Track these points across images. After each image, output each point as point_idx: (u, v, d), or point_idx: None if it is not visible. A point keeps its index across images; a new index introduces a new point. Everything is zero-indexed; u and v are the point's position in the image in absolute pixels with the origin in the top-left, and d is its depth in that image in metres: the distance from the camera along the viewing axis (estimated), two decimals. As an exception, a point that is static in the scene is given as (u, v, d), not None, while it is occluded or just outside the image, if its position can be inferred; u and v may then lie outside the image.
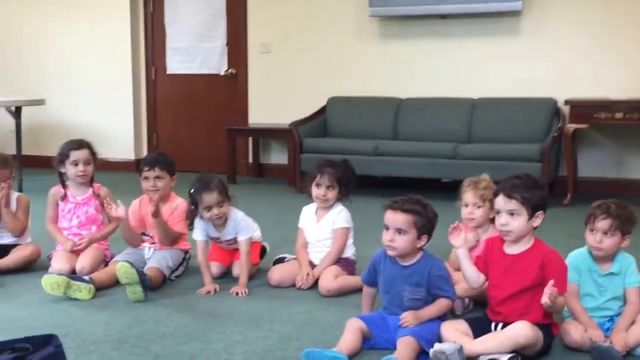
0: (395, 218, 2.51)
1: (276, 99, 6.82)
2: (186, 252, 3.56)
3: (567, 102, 5.50)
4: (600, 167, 5.85)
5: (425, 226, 2.52)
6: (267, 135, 6.85)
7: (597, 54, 5.75)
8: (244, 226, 3.34)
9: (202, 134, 7.20)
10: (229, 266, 3.46)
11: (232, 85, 7.07)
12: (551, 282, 2.30)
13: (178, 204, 3.52)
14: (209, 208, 3.23)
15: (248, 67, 6.96)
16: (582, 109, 5.36)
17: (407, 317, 2.47)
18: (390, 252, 2.56)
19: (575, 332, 2.50)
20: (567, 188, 5.42)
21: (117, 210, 3.32)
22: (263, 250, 3.59)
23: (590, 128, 5.54)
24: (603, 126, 5.57)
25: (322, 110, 6.47)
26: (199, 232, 3.32)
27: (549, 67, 5.88)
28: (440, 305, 2.53)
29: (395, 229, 2.51)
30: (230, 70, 7.07)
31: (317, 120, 6.39)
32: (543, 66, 5.90)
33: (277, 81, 6.82)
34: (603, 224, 2.53)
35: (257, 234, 3.53)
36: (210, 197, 3.21)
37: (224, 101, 7.11)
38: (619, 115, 5.23)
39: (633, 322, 2.49)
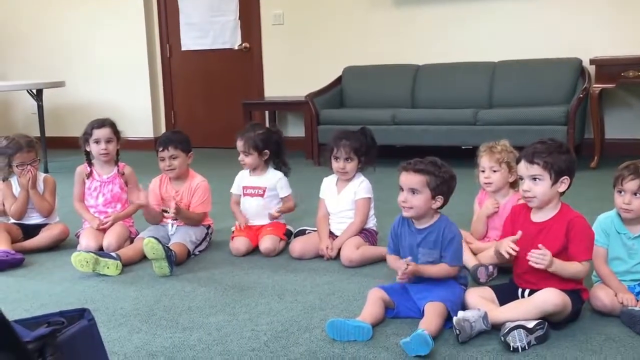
0: (408, 178, 2.50)
1: (291, 71, 6.77)
2: (209, 227, 3.59)
3: (592, 62, 5.36)
4: (628, 128, 5.73)
5: (440, 186, 2.49)
6: (283, 108, 6.82)
7: (623, 10, 5.60)
8: (285, 183, 3.52)
9: (218, 110, 7.19)
10: (255, 247, 3.47)
11: (247, 59, 7.04)
12: (540, 246, 2.28)
13: (198, 183, 3.53)
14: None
15: (262, 40, 6.92)
16: (609, 68, 5.23)
17: (408, 268, 2.45)
18: (405, 214, 2.54)
19: (605, 296, 2.46)
20: (594, 151, 5.33)
21: (140, 196, 3.40)
22: (288, 232, 3.60)
23: (617, 88, 5.42)
24: (631, 85, 5.44)
25: (338, 81, 6.42)
26: (235, 186, 3.58)
27: (572, 26, 5.75)
28: (442, 268, 2.51)
29: (409, 189, 2.49)
30: (244, 45, 7.03)
31: (333, 91, 6.34)
32: (566, 25, 5.76)
33: (291, 53, 6.77)
34: (631, 184, 2.48)
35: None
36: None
37: (239, 76, 7.08)
38: (646, 73, 5.11)
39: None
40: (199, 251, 3.48)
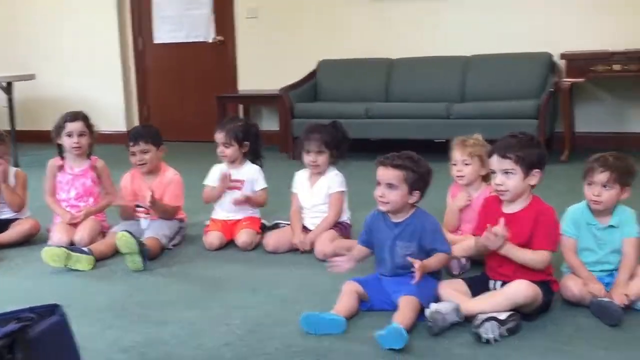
0: (385, 173, 2.52)
1: (265, 65, 6.74)
2: (182, 220, 3.57)
3: (563, 56, 5.43)
4: (598, 122, 5.81)
5: (417, 182, 2.51)
6: (258, 101, 6.79)
7: (592, 4, 5.67)
8: (262, 176, 3.52)
9: (192, 103, 7.13)
10: (229, 241, 3.46)
11: (221, 52, 6.98)
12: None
13: (170, 177, 3.51)
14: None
15: (235, 33, 6.87)
16: (579, 63, 5.30)
17: (418, 266, 2.43)
18: (381, 208, 2.55)
19: (574, 286, 2.50)
20: (564, 144, 5.40)
21: (116, 198, 3.52)
22: (262, 226, 3.59)
23: (587, 82, 5.49)
24: (601, 79, 5.52)
25: (313, 74, 6.41)
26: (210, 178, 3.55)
27: (543, 21, 5.80)
28: (440, 258, 2.54)
29: (386, 184, 2.51)
30: (218, 38, 6.98)
31: (308, 84, 6.33)
32: (537, 20, 5.81)
33: (265, 46, 6.73)
34: (601, 176, 2.52)
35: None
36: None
37: (213, 69, 7.02)
38: (617, 67, 5.17)
39: (632, 276, 2.49)
40: (173, 245, 3.45)
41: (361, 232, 2.71)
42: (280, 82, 6.17)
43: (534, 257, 2.40)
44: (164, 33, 7.16)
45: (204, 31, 7.03)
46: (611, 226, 2.57)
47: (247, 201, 3.48)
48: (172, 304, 2.68)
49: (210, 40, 7.01)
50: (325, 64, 6.40)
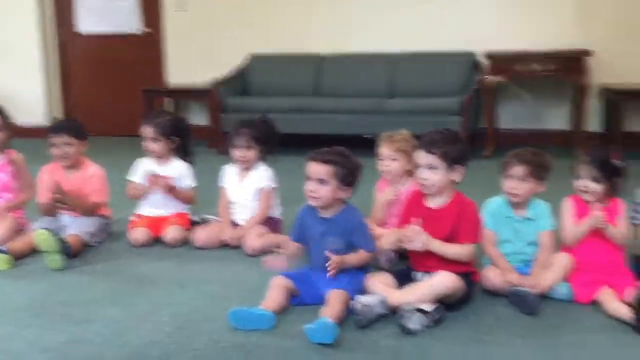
0: (316, 169, 2.53)
1: (195, 58, 6.65)
2: (106, 217, 3.48)
3: (486, 55, 5.61)
4: (520, 119, 6.02)
5: (347, 177, 2.54)
6: (186, 95, 6.69)
7: (516, 6, 5.86)
8: (191, 173, 3.47)
9: (118, 97, 6.95)
10: (156, 237, 3.40)
11: (148, 45, 6.84)
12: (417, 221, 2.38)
13: (93, 172, 3.41)
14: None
15: (163, 25, 6.75)
16: (501, 62, 5.48)
17: (334, 259, 2.48)
18: (312, 203, 2.57)
19: (494, 277, 2.60)
20: (487, 140, 5.58)
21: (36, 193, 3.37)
22: (191, 222, 3.54)
23: (509, 80, 5.68)
24: (521, 78, 5.71)
25: (243, 69, 6.37)
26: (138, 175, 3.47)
27: (468, 21, 5.96)
28: (362, 256, 2.58)
29: (317, 179, 2.53)
30: (145, 30, 6.83)
31: (238, 79, 6.29)
32: (463, 19, 5.97)
33: (194, 40, 6.64)
34: (518, 170, 2.63)
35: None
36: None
37: (140, 62, 6.88)
38: (536, 67, 5.37)
39: (547, 266, 2.59)
40: (97, 242, 3.37)
41: (292, 228, 2.72)
42: (210, 76, 6.10)
43: (461, 250, 2.47)
44: (88, 24, 6.96)
45: (130, 22, 6.86)
46: (528, 219, 2.69)
47: (172, 191, 3.42)
48: (95, 302, 2.62)
49: (137, 32, 6.85)
50: (255, 59, 6.37)
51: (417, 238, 2.41)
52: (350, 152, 2.61)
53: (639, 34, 5.64)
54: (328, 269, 2.49)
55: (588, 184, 2.62)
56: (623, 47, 5.66)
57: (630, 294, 2.39)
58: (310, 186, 2.55)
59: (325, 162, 2.54)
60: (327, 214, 2.59)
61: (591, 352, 2.13)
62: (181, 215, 3.48)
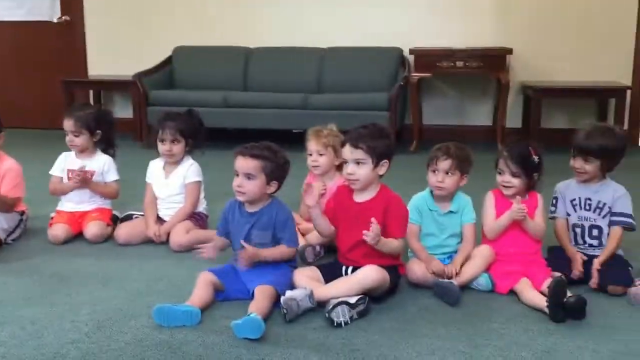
0: (244, 163, 2.51)
1: (118, 49, 6.48)
2: (22, 213, 3.35)
3: (411, 52, 5.69)
4: (443, 115, 6.16)
5: (275, 172, 2.53)
6: (109, 87, 6.51)
7: (441, 4, 5.98)
8: (113, 167, 3.38)
9: (35, 88, 6.68)
10: (77, 234, 3.30)
11: (67, 33, 6.59)
12: (373, 219, 2.38)
13: (9, 166, 3.26)
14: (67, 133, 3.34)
15: (84, 13, 6.52)
16: (426, 58, 5.58)
17: (246, 251, 2.47)
18: (239, 197, 2.55)
19: (418, 269, 2.65)
20: (413, 135, 5.68)
21: None
22: (114, 218, 3.45)
23: (433, 77, 5.79)
24: (445, 75, 5.84)
25: (168, 61, 6.25)
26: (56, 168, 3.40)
27: (395, 17, 6.04)
28: (281, 249, 2.56)
29: (244, 174, 2.50)
30: (63, 18, 6.58)
31: (163, 71, 6.16)
32: (390, 16, 6.04)
33: (118, 29, 6.47)
34: (444, 164, 2.69)
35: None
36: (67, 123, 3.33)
37: (59, 51, 6.62)
38: (459, 64, 5.51)
39: (469, 257, 2.67)
40: (12, 240, 3.23)
41: (218, 223, 2.69)
42: (134, 67, 5.95)
43: (397, 245, 2.50)
44: (1, 10, 6.63)
45: (47, 10, 6.58)
46: (451, 212, 2.75)
47: (93, 185, 3.32)
48: (10, 303, 2.51)
49: (55, 20, 6.60)
50: (181, 51, 6.26)
51: (374, 237, 2.40)
52: (278, 147, 2.59)
53: (556, 34, 5.87)
54: (239, 260, 2.47)
55: (508, 179, 2.71)
56: (541, 46, 5.89)
57: (545, 284, 2.48)
58: (237, 181, 2.52)
59: (253, 156, 2.52)
60: (253, 209, 2.58)
61: (508, 340, 2.21)
62: (102, 211, 3.38)
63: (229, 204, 2.65)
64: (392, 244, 2.48)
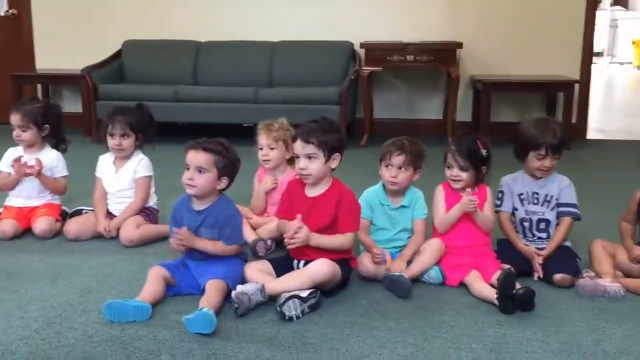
0: (196, 157, 2.51)
1: (66, 43, 6.35)
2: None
3: (362, 46, 5.74)
4: (394, 109, 6.24)
5: (226, 168, 2.53)
6: (58, 81, 6.38)
7: (389, -1, 6.05)
8: (63, 163, 3.34)
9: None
10: (26, 229, 3.24)
11: (15, 27, 6.44)
12: (298, 216, 2.42)
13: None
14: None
15: (31, 6, 6.37)
16: (376, 52, 5.63)
17: (182, 231, 2.46)
18: (189, 191, 2.54)
19: (369, 263, 2.68)
20: (363, 129, 5.73)
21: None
22: (63, 213, 3.40)
23: (384, 71, 5.85)
24: (396, 69, 5.91)
25: (118, 55, 6.16)
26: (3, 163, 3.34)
27: (346, 11, 6.08)
28: (217, 245, 2.55)
29: (196, 167, 2.50)
30: (10, 11, 6.41)
31: (113, 65, 6.07)
32: (340, 9, 6.08)
33: (66, 23, 6.33)
34: (398, 159, 2.72)
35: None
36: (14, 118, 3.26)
37: (6, 45, 6.46)
38: (410, 57, 5.58)
39: (419, 252, 2.71)
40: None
41: (169, 222, 2.67)
42: (83, 61, 5.85)
43: (343, 239, 2.52)
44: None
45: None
46: (403, 206, 2.79)
47: (40, 178, 3.26)
48: (-45, 301, 2.46)
49: (2, 14, 6.43)
50: (130, 45, 6.17)
51: (299, 234, 2.43)
52: (230, 144, 2.59)
53: (506, 29, 6.00)
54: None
55: (457, 173, 2.76)
56: (491, 40, 6.00)
57: (495, 276, 2.54)
58: (188, 174, 2.52)
59: (206, 150, 2.51)
60: (201, 206, 2.57)
61: (458, 332, 2.25)
62: (51, 206, 3.32)
63: (178, 202, 2.63)
64: (334, 240, 2.50)
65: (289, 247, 2.48)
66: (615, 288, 2.54)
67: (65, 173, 3.37)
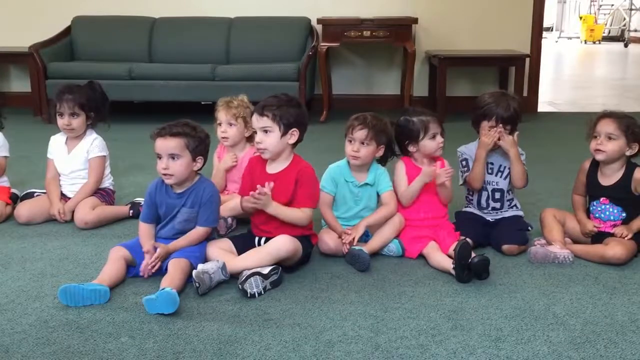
0: (165, 144, 2.44)
1: (12, 19, 6.12)
2: None
3: (319, 21, 5.69)
4: (352, 84, 6.22)
5: (198, 147, 2.48)
6: (4, 59, 6.15)
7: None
8: (2, 142, 3.18)
9: None
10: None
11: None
12: (270, 184, 2.42)
13: None
14: None
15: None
16: (334, 28, 5.59)
17: (158, 252, 2.40)
18: (167, 181, 2.48)
19: (330, 239, 2.67)
20: (323, 105, 5.70)
21: None
22: (14, 197, 3.28)
23: (341, 46, 5.81)
24: (353, 44, 5.88)
25: (67, 31, 5.97)
26: None
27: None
28: (190, 237, 2.49)
29: (168, 155, 2.43)
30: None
31: (62, 42, 5.88)
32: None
33: (11, -1, 6.11)
34: (360, 133, 2.69)
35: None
36: None
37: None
38: (367, 33, 5.56)
39: (385, 224, 2.70)
40: None
41: (142, 210, 2.60)
42: (31, 38, 5.65)
43: (300, 214, 2.51)
44: None
45: None
46: (366, 184, 2.76)
47: None
48: None
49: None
50: (80, 21, 5.98)
51: (265, 199, 2.42)
52: (195, 123, 2.53)
53: (459, 4, 6.02)
54: (142, 270, 2.41)
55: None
56: (445, 16, 6.03)
57: (452, 246, 2.57)
58: (162, 164, 2.44)
59: (174, 135, 2.44)
60: (181, 189, 2.51)
61: (417, 302, 2.28)
62: (1, 189, 3.21)
63: (154, 186, 2.55)
64: (292, 213, 2.49)
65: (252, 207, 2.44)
66: (564, 254, 2.62)
67: (5, 154, 3.25)
